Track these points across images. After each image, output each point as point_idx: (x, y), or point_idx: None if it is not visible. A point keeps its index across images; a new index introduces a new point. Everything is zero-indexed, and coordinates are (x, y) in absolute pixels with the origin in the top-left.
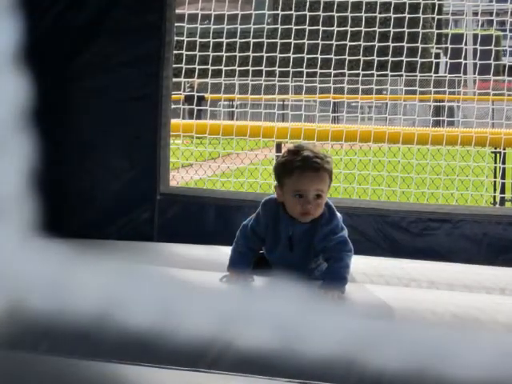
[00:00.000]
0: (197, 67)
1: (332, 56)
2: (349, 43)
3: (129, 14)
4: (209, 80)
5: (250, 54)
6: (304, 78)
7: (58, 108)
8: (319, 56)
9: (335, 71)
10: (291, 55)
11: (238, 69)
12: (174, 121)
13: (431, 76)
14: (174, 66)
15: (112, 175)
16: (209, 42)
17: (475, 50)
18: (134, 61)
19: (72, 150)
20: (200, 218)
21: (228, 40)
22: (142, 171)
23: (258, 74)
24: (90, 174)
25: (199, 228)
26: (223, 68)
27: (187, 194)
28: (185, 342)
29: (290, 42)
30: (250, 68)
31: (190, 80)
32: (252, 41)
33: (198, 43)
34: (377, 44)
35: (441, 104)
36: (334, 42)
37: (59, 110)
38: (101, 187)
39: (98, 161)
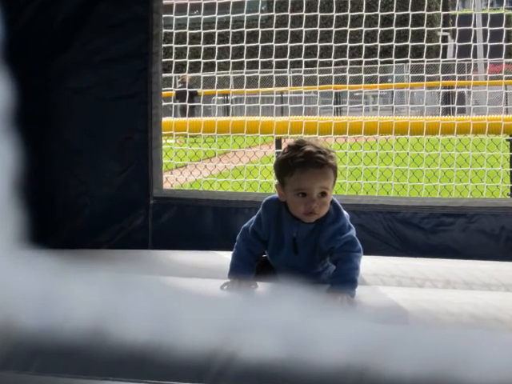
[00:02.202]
0: (188, 61)
1: (332, 43)
2: (349, 29)
3: (113, 6)
4: (201, 74)
5: (244, 44)
6: (303, 68)
7: (41, 110)
8: (318, 44)
9: (336, 59)
10: (288, 44)
11: (231, 61)
12: (165, 119)
13: (439, 61)
14: (164, 60)
15: (101, 180)
16: (199, 33)
17: (485, 32)
18: (121, 57)
19: (58, 155)
20: (197, 222)
21: (220, 30)
22: (133, 174)
23: (253, 65)
24: (77, 180)
25: (196, 233)
26: (216, 60)
27: (182, 196)
28: (186, 355)
29: (287, 30)
30: (245, 59)
31: (180, 75)
32: (246, 30)
33: (187, 35)
34: (379, 29)
35: (450, 90)
36: (333, 29)
37: (42, 113)
38: (90, 193)
39: (86, 165)
